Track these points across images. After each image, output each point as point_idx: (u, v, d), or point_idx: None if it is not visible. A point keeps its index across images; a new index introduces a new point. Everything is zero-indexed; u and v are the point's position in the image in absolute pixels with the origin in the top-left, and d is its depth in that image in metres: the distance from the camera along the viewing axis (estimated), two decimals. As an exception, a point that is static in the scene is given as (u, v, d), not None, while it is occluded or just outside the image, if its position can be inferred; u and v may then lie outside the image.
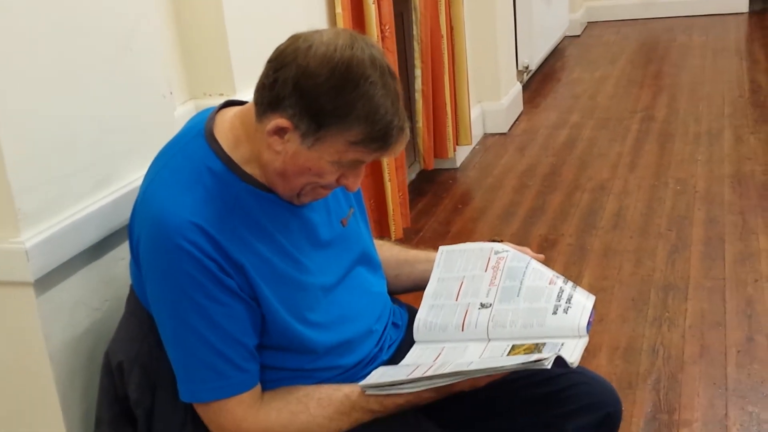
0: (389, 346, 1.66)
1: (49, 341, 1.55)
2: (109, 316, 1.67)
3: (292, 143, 1.40)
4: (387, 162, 3.37)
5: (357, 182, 1.49)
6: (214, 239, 1.41)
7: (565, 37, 7.18)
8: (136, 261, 1.50)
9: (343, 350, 1.57)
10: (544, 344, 1.51)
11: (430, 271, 1.74)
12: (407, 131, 1.44)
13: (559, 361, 1.41)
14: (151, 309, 1.49)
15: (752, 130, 4.65)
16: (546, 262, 1.72)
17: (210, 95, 2.32)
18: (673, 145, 4.56)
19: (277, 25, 2.42)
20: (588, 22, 7.72)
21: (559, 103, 5.56)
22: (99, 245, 1.65)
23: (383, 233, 3.46)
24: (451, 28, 4.24)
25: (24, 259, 1.47)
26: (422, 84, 3.93)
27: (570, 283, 1.64)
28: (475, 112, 4.76)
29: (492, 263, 1.69)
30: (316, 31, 1.42)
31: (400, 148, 1.45)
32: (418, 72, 3.92)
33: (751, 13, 7.49)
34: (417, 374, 1.47)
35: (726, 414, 2.42)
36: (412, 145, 4.06)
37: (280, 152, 1.42)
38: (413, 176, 4.34)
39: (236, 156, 1.48)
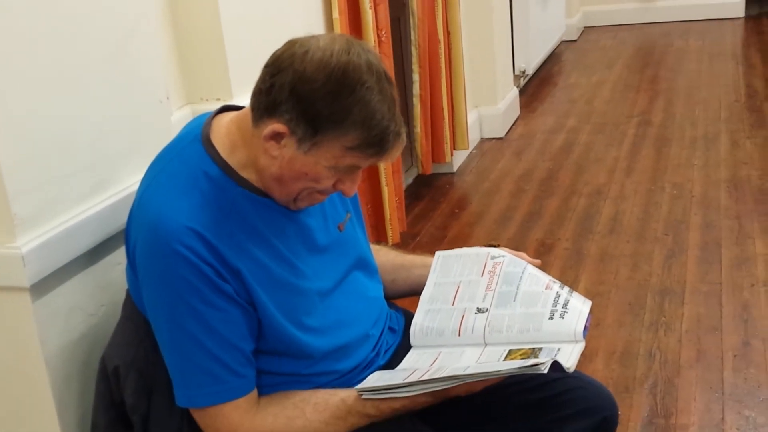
0: (386, 351, 1.66)
1: (45, 346, 1.55)
2: (105, 321, 1.66)
3: (289, 148, 1.41)
4: (384, 167, 3.37)
5: (353, 187, 1.49)
6: (211, 244, 1.41)
7: (562, 42, 7.19)
8: (133, 266, 1.50)
9: (339, 355, 1.57)
10: (540, 349, 1.51)
11: (426, 276, 1.74)
12: (404, 136, 1.44)
13: (556, 365, 1.42)
14: (148, 314, 1.48)
15: (748, 135, 4.66)
16: (543, 267, 1.73)
17: (207, 100, 2.32)
18: (669, 150, 4.56)
19: (273, 30, 2.42)
20: (585, 27, 7.73)
21: (556, 108, 5.57)
22: (95, 250, 1.65)
23: (380, 238, 3.46)
24: (448, 33, 4.24)
25: (20, 264, 1.47)
26: (420, 89, 3.94)
27: (566, 288, 1.64)
28: (472, 117, 4.76)
29: (488, 268, 1.69)
30: (313, 37, 1.42)
31: (397, 153, 1.45)
32: (415, 77, 3.92)
33: (748, 17, 7.50)
34: (413, 378, 1.47)
35: (723, 418, 2.42)
36: (409, 150, 4.06)
37: (277, 157, 1.42)
38: (410, 181, 4.34)
39: (233, 161, 1.48)
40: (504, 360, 1.51)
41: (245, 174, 1.48)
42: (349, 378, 1.57)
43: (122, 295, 1.60)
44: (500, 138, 5.02)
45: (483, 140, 5.00)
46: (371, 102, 1.38)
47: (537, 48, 6.13)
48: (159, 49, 1.92)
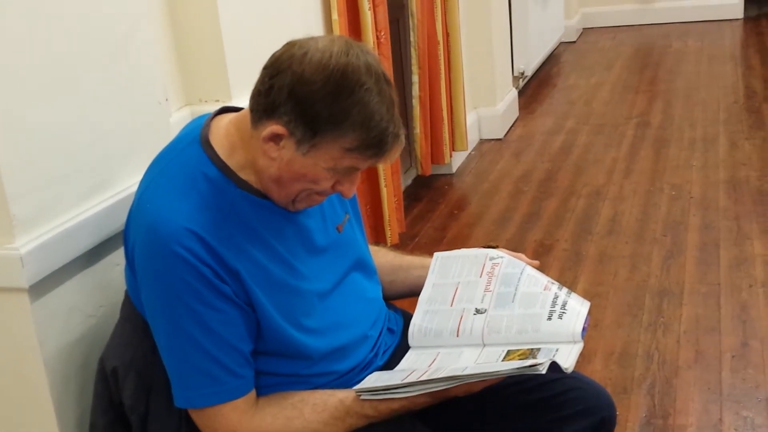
0: (384, 352, 1.66)
1: (44, 347, 1.55)
2: (104, 322, 1.66)
3: (288, 150, 1.41)
4: (383, 168, 3.37)
5: (352, 189, 1.49)
6: (210, 245, 1.41)
7: (561, 43, 7.19)
8: (132, 267, 1.50)
9: (338, 356, 1.57)
10: (539, 350, 1.51)
11: (425, 277, 1.74)
12: (402, 138, 1.44)
13: (554, 366, 1.42)
14: (146, 315, 1.48)
15: (747, 136, 4.66)
16: (541, 268, 1.73)
17: (206, 101, 2.32)
18: (668, 151, 4.57)
19: (273, 32, 2.42)
20: (583, 28, 7.74)
21: (555, 109, 5.57)
22: (94, 251, 1.65)
23: (379, 239, 3.46)
24: (447, 34, 4.24)
25: (19, 265, 1.47)
26: (419, 90, 3.94)
27: (565, 289, 1.64)
28: (471, 118, 4.76)
29: (487, 269, 1.69)
30: (312, 38, 1.42)
31: (396, 154, 1.45)
32: (415, 78, 3.92)
33: (746, 19, 7.51)
34: (412, 379, 1.47)
35: (720, 419, 2.42)
36: (408, 151, 4.06)
37: (276, 159, 1.42)
38: (409, 182, 4.34)
39: (232, 162, 1.48)
40: (502, 360, 1.51)
41: (244, 175, 1.48)
42: (348, 379, 1.57)
43: (121, 296, 1.60)
44: (499, 139, 5.02)
45: (482, 141, 5.00)
46: (370, 103, 1.38)
47: (536, 49, 6.14)
48: (158, 50, 1.92)
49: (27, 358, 1.55)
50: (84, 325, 1.64)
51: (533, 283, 1.65)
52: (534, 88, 6.05)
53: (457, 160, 4.59)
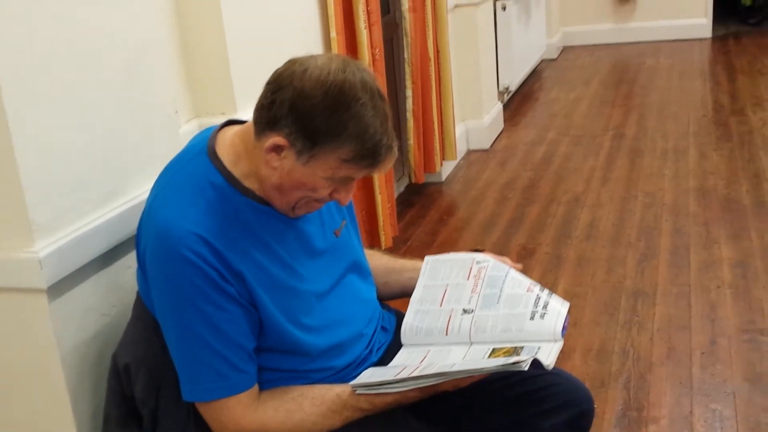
0: (378, 349, 1.66)
1: (61, 344, 1.54)
2: (117, 321, 1.66)
3: (288, 160, 1.40)
4: (377, 176, 3.37)
5: (348, 196, 1.49)
6: (216, 249, 1.41)
7: (543, 60, 7.20)
8: (143, 269, 1.49)
9: (335, 352, 1.57)
10: (522, 347, 1.51)
11: (416, 279, 1.74)
12: (395, 149, 1.44)
13: (536, 363, 1.41)
14: (156, 314, 1.48)
15: (715, 147, 4.67)
16: (524, 271, 1.73)
17: (212, 114, 2.32)
18: (642, 161, 4.57)
19: (275, 50, 2.42)
20: (564, 46, 7.75)
21: (537, 122, 5.57)
22: (108, 254, 1.64)
23: (374, 242, 3.46)
24: (437, 52, 4.25)
25: (37, 268, 1.47)
26: (413, 104, 3.94)
27: (546, 291, 1.64)
28: (459, 130, 4.76)
29: (474, 272, 1.69)
30: (311, 56, 1.42)
31: (389, 165, 1.45)
32: (408, 92, 3.92)
33: (714, 38, 7.53)
34: (404, 375, 1.47)
35: (691, 411, 2.43)
36: (401, 161, 4.06)
37: (277, 168, 1.42)
38: (402, 189, 4.34)
39: (236, 171, 1.47)
40: (488, 358, 1.51)
41: (248, 183, 1.48)
42: (344, 374, 1.57)
43: (133, 297, 1.59)
44: (485, 150, 5.02)
45: (469, 151, 5.00)
46: (365, 117, 1.38)
47: (519, 66, 6.15)
48: (169, 67, 1.92)
49: (45, 355, 1.55)
50: (98, 323, 1.63)
51: (517, 285, 1.65)
52: (518, 102, 6.05)
53: (446, 169, 4.59)
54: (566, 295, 1.63)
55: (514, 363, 1.40)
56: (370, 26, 3.27)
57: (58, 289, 1.53)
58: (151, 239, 1.44)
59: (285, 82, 1.38)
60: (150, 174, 1.62)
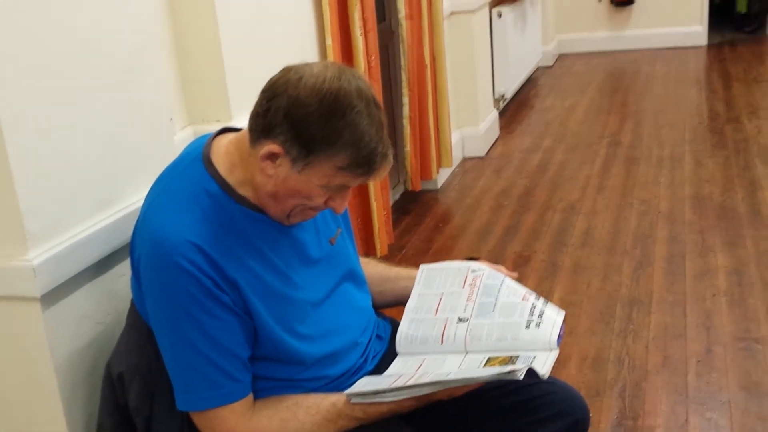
0: (373, 357, 1.66)
1: (55, 353, 1.54)
2: (111, 329, 1.66)
3: (283, 168, 1.40)
4: (373, 184, 3.37)
5: (343, 204, 1.49)
6: (211, 258, 1.40)
7: (538, 68, 7.22)
8: (137, 277, 1.49)
9: (330, 361, 1.56)
10: (517, 357, 1.51)
11: (411, 288, 1.73)
12: (390, 157, 1.44)
13: (531, 372, 1.41)
14: (151, 322, 1.48)
15: (710, 155, 4.68)
16: (520, 278, 1.73)
17: (207, 122, 2.32)
18: (637, 169, 4.58)
19: (270, 57, 2.42)
20: (559, 54, 7.77)
21: (533, 129, 5.58)
22: (102, 263, 1.64)
23: (369, 250, 3.46)
24: (433, 59, 4.25)
25: (31, 276, 1.47)
26: (409, 111, 3.94)
27: (542, 300, 1.64)
28: (455, 137, 4.77)
29: (469, 281, 1.69)
30: (307, 64, 1.42)
31: (384, 173, 1.45)
32: (405, 100, 3.93)
33: (710, 46, 7.56)
34: (399, 384, 1.46)
35: (687, 420, 2.42)
36: (397, 168, 4.06)
37: (272, 176, 1.42)
38: (397, 197, 4.34)
39: (231, 179, 1.47)
40: (483, 366, 1.51)
41: (243, 191, 1.47)
42: (339, 383, 1.56)
43: (127, 305, 1.59)
44: (481, 157, 5.03)
45: (465, 159, 5.01)
46: (360, 125, 1.38)
47: (515, 73, 6.15)
48: (163, 74, 1.91)
49: (39, 363, 1.54)
50: (92, 331, 1.63)
51: (512, 293, 1.65)
52: (513, 110, 6.06)
53: (442, 177, 4.59)
54: (562, 304, 1.63)
55: (509, 372, 1.40)
56: (365, 33, 3.27)
57: (52, 297, 1.52)
58: (145, 247, 1.44)
59: (280, 90, 1.39)
60: (145, 181, 1.62)
